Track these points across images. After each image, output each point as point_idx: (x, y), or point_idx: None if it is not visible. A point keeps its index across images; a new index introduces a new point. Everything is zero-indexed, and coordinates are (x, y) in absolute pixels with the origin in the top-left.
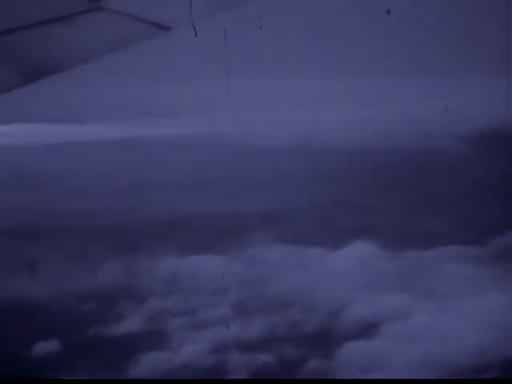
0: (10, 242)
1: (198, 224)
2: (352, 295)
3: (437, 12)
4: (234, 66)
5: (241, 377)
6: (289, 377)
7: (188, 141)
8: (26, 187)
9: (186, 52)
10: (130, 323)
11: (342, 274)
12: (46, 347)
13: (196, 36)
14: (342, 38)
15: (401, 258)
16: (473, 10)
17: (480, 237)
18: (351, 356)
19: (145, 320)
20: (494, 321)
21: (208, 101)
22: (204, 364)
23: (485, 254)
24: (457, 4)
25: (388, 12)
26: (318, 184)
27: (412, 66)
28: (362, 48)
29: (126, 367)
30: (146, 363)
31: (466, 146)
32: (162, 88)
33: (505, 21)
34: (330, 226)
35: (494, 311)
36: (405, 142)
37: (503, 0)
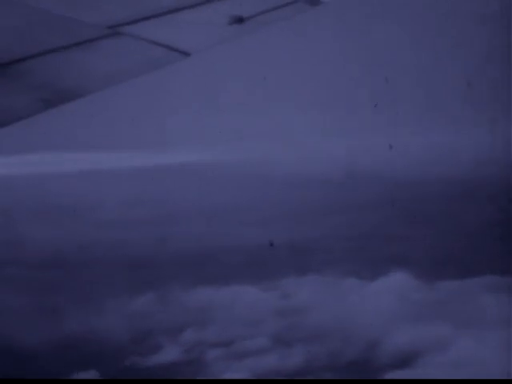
0: (40, 274)
1: (229, 255)
2: (390, 325)
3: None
4: (260, 94)
5: None
6: None
7: (212, 170)
8: (53, 217)
9: (211, 79)
10: (168, 354)
11: (378, 305)
12: (85, 377)
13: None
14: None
15: (437, 288)
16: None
17: None
18: None
19: (182, 351)
20: None
21: (231, 130)
22: None
23: None
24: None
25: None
26: (351, 214)
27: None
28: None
29: None
30: None
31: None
32: (184, 116)
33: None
34: (365, 257)
35: None
36: (439, 171)
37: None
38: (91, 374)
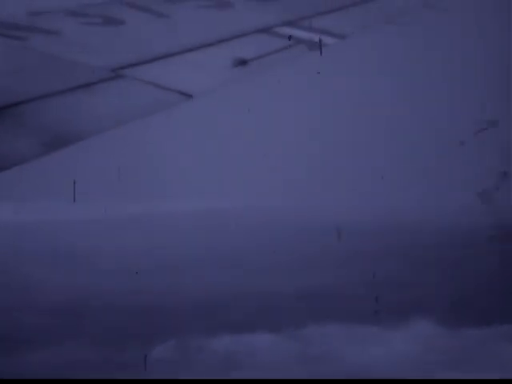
0: (54, 321)
1: (243, 302)
2: (415, 373)
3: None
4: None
5: None
6: None
7: (218, 217)
8: (63, 264)
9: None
10: None
11: (401, 353)
12: None
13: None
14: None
15: (459, 336)
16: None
17: None
18: None
19: None
20: None
21: (232, 176)
22: None
23: None
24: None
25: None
26: (366, 261)
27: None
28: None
29: None
30: None
31: None
32: (184, 161)
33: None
34: (384, 304)
35: None
36: (454, 218)
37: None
38: None
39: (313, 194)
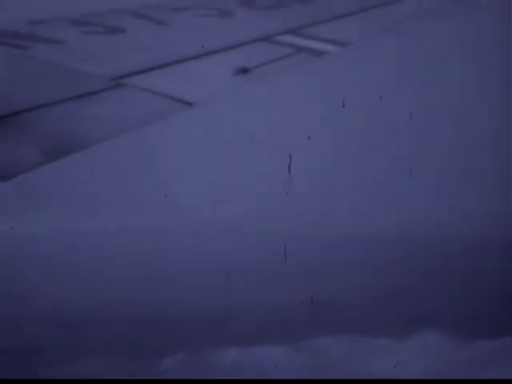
0: (61, 333)
1: (251, 313)
2: None
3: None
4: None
5: None
6: None
7: (221, 228)
8: (70, 275)
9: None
10: None
11: (411, 365)
12: None
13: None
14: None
15: (471, 348)
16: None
17: None
18: None
19: None
20: None
21: (232, 185)
22: None
23: None
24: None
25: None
26: (375, 272)
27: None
28: None
29: None
30: None
31: None
32: (182, 171)
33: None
34: (394, 315)
35: None
36: (465, 229)
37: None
38: None
39: (320, 203)
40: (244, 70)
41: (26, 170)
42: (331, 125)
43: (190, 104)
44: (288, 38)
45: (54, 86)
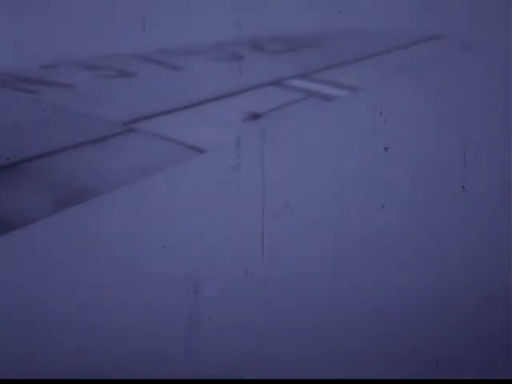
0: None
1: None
2: None
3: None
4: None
5: None
6: None
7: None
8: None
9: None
10: None
11: None
12: None
13: None
14: None
15: None
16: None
17: None
18: None
19: None
20: None
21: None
22: None
23: None
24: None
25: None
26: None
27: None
28: None
29: None
30: None
31: None
32: (196, 219)
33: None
34: None
35: None
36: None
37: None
38: None
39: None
40: (255, 116)
41: (36, 219)
42: (340, 168)
43: (201, 150)
44: (298, 83)
45: (62, 131)
